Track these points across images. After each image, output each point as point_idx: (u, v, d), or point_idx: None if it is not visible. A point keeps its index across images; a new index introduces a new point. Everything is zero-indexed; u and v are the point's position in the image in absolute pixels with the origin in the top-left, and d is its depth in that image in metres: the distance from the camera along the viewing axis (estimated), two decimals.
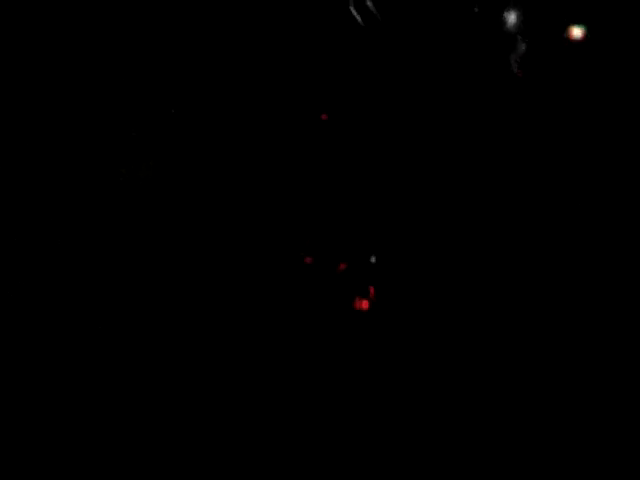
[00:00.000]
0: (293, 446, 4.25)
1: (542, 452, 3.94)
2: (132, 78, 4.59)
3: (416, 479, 4.07)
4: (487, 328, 4.28)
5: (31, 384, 4.27)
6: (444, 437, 4.15)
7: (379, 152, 4.74)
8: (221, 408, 4.31)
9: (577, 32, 4.39)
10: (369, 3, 4.46)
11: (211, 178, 4.68)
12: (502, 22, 4.45)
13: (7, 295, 4.39)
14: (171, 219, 4.65)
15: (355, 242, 4.79)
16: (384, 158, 4.73)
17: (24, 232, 4.45)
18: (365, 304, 4.63)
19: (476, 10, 4.54)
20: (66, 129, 4.56)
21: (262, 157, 4.76)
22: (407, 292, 4.58)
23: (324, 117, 4.75)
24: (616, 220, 4.15)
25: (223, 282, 4.63)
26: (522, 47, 4.46)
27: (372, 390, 4.32)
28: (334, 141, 4.79)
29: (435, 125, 4.66)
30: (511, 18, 4.44)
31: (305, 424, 4.30)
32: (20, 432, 4.15)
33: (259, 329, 4.58)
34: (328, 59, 4.65)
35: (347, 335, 4.53)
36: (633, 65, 4.21)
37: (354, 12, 4.46)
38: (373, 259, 4.71)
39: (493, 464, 4.02)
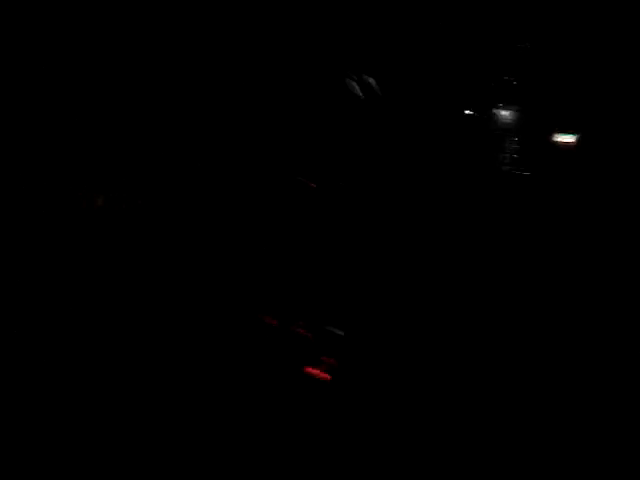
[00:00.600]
0: None
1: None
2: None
3: None
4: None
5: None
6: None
7: (353, 226, 4.74)
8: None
9: (567, 139, 4.42)
10: (371, 80, 4.49)
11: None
12: (494, 120, 4.48)
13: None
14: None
15: (322, 311, 4.76)
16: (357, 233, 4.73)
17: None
18: (325, 376, 4.59)
19: (471, 113, 4.58)
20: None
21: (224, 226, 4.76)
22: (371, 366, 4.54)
23: (313, 185, 4.76)
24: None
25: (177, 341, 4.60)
26: (513, 146, 4.49)
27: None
28: (313, 208, 4.79)
29: (415, 201, 4.67)
30: (504, 117, 4.46)
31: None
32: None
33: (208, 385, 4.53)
34: (327, 128, 4.67)
35: (301, 404, 4.47)
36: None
37: (355, 86, 4.49)
38: (337, 330, 4.67)
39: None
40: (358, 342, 4.53)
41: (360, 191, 4.81)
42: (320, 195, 4.85)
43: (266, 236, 4.74)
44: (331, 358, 4.61)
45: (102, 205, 4.57)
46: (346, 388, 4.46)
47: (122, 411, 4.31)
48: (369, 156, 4.78)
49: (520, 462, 3.93)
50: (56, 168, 4.54)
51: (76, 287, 4.52)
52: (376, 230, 4.72)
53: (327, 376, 4.55)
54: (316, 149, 4.77)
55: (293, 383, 4.52)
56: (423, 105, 4.54)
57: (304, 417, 4.39)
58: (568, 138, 4.32)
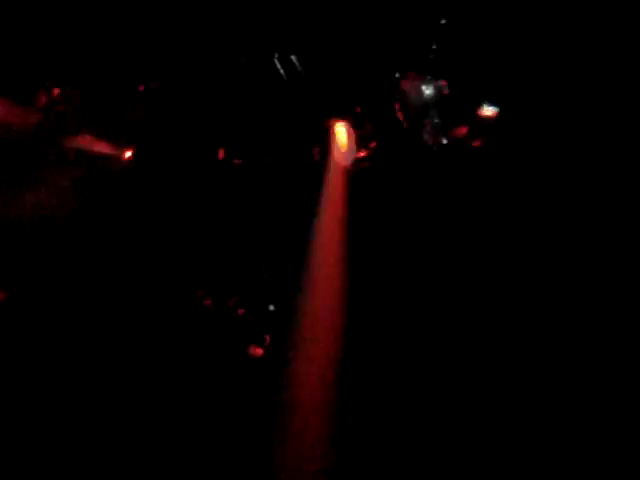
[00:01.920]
0: None
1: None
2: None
3: None
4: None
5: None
6: None
7: (281, 197, 4.76)
8: None
9: (487, 111, 4.56)
10: (293, 57, 4.46)
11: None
12: (417, 94, 4.55)
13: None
14: None
15: (256, 286, 4.82)
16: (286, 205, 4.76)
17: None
18: (259, 351, 4.68)
19: (397, 76, 4.63)
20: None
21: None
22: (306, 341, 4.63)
23: (237, 162, 4.74)
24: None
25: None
26: (436, 121, 4.59)
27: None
28: (238, 184, 4.78)
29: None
30: (427, 93, 4.55)
31: None
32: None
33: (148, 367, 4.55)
34: (248, 108, 4.63)
35: (240, 382, 4.56)
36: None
37: (278, 65, 4.46)
38: (272, 307, 4.75)
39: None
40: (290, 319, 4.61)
41: (283, 167, 4.83)
42: (245, 172, 4.84)
43: (198, 214, 4.70)
44: (266, 334, 4.70)
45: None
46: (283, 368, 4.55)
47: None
48: (291, 131, 4.78)
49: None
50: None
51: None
52: (301, 206, 4.76)
53: (262, 351, 4.65)
54: (240, 127, 4.74)
55: (230, 361, 4.59)
56: (346, 81, 4.55)
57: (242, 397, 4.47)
58: (490, 111, 4.43)
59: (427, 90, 4.48)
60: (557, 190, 4.28)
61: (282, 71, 4.46)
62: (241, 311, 4.77)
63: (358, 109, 4.72)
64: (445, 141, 4.55)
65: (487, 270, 4.44)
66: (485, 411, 4.21)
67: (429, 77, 4.53)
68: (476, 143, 4.49)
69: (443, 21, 4.33)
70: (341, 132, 4.64)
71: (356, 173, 4.59)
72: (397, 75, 4.55)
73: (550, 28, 4.23)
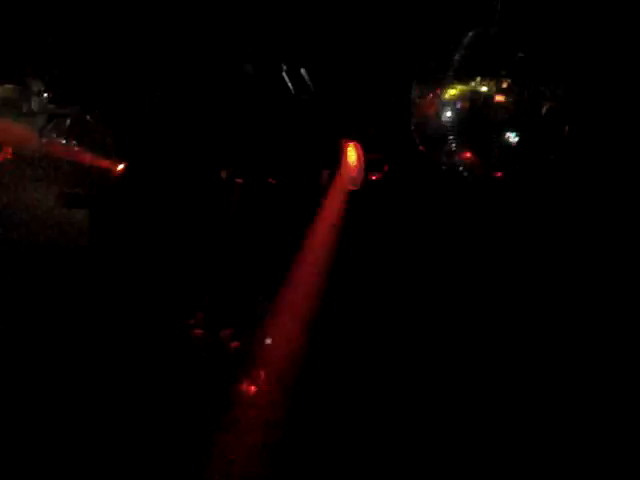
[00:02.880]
0: None
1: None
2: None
3: None
4: None
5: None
6: None
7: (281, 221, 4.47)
8: None
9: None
10: (303, 71, 4.14)
11: None
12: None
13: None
14: None
15: (252, 319, 4.47)
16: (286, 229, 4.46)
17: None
18: (252, 389, 4.30)
19: (414, 96, 4.30)
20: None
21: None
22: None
23: (239, 181, 4.42)
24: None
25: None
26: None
27: None
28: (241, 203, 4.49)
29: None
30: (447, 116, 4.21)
31: None
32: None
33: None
34: (257, 122, 4.32)
35: (228, 421, 4.19)
36: None
37: (286, 79, 4.14)
38: (269, 340, 4.38)
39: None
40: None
41: (289, 186, 4.51)
42: (247, 191, 4.52)
43: (194, 236, 4.40)
44: (261, 369, 4.33)
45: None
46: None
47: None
48: (298, 151, 4.48)
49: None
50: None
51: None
52: (303, 227, 4.43)
53: (254, 389, 4.28)
54: (244, 144, 4.42)
55: (222, 398, 4.22)
56: (357, 97, 4.24)
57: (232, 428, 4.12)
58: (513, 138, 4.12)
59: (447, 112, 4.14)
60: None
61: (290, 85, 4.14)
62: (235, 344, 4.40)
63: (371, 130, 4.43)
64: (462, 168, 4.22)
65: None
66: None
67: (449, 99, 4.19)
68: (498, 174, 4.18)
69: (467, 38, 3.99)
70: (352, 154, 4.32)
71: (364, 197, 4.29)
72: (414, 95, 4.23)
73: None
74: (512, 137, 4.24)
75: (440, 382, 4.16)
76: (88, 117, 4.24)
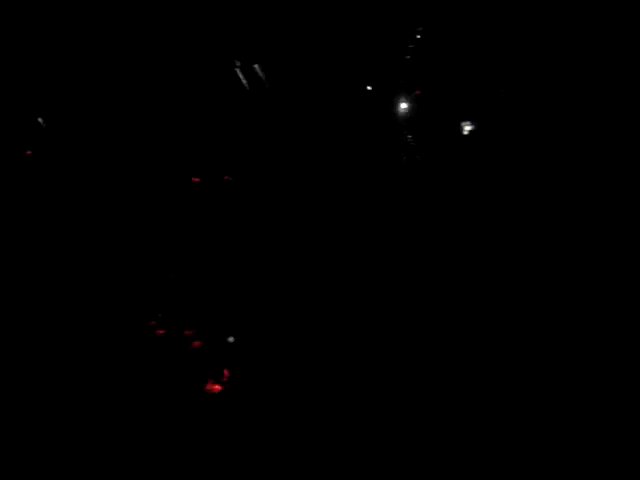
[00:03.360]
0: None
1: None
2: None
3: None
4: None
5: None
6: None
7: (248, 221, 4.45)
8: None
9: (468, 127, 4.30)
10: (257, 67, 4.17)
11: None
12: (392, 107, 4.29)
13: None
14: None
15: (214, 316, 4.42)
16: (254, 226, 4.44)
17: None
18: (217, 388, 4.24)
19: (369, 89, 4.36)
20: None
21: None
22: (265, 376, 4.23)
23: (195, 180, 4.40)
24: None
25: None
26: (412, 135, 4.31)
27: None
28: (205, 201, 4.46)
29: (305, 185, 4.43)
30: (401, 104, 4.28)
31: None
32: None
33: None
34: (210, 119, 4.32)
35: (195, 421, 4.11)
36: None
37: (240, 75, 4.17)
38: (231, 338, 4.34)
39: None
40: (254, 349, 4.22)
41: (249, 185, 4.50)
42: (205, 190, 4.50)
43: (154, 236, 4.35)
44: (225, 368, 4.27)
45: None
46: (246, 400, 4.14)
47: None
48: (257, 148, 4.47)
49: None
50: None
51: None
52: (268, 226, 4.42)
53: (220, 388, 4.22)
54: (200, 142, 4.41)
55: (189, 398, 4.15)
56: (314, 92, 4.27)
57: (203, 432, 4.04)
58: (468, 126, 4.20)
59: (402, 104, 4.21)
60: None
61: (244, 81, 4.18)
62: (198, 343, 4.34)
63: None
64: (419, 158, 4.27)
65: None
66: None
67: (404, 89, 4.27)
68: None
69: (419, 29, 4.09)
70: None
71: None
72: (369, 88, 4.29)
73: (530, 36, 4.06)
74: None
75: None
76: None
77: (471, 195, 4.23)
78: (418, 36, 4.29)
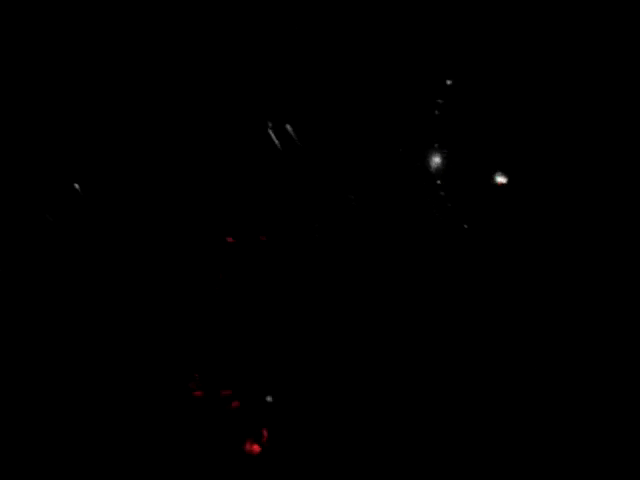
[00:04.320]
0: None
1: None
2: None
3: None
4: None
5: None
6: None
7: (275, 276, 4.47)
8: None
9: (500, 179, 4.31)
10: (288, 127, 4.21)
11: None
12: (425, 165, 4.31)
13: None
14: None
15: (252, 375, 4.41)
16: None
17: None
18: (256, 448, 4.22)
19: (401, 151, 4.38)
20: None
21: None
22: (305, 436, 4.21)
23: (230, 240, 4.42)
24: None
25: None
26: (441, 192, 4.32)
27: None
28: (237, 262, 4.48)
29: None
30: (434, 162, 4.30)
31: None
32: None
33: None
34: (246, 181, 4.36)
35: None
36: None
37: (272, 135, 4.21)
38: (269, 398, 4.32)
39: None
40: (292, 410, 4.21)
41: (284, 244, 4.52)
42: (240, 251, 4.52)
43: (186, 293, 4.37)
44: (263, 428, 4.25)
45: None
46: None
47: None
48: (291, 209, 4.50)
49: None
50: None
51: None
52: (301, 286, 4.43)
53: (259, 448, 4.19)
54: (234, 202, 4.44)
55: (229, 459, 4.13)
56: (346, 153, 4.30)
57: None
58: (500, 178, 4.21)
59: (434, 159, 4.23)
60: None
61: (277, 141, 4.21)
62: (236, 403, 4.33)
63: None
64: (451, 207, 4.28)
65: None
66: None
67: (435, 145, 4.29)
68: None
69: (449, 82, 4.12)
70: None
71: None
72: (398, 146, 4.31)
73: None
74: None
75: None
76: None
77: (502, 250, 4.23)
78: (447, 90, 4.32)
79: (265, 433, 4.24)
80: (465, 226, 4.19)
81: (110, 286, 4.35)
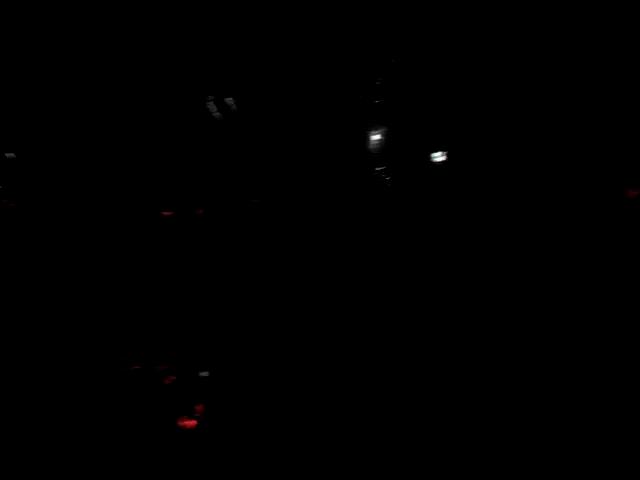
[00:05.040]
0: None
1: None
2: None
3: None
4: None
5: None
6: None
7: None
8: None
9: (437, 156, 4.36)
10: (229, 100, 4.15)
11: None
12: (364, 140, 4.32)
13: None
14: None
15: (186, 351, 4.36)
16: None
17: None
18: (191, 423, 4.19)
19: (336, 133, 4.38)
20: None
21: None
22: (241, 410, 4.20)
23: (165, 214, 4.35)
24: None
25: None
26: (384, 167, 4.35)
27: None
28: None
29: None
30: (373, 137, 4.31)
31: None
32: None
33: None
34: (183, 152, 4.28)
35: (169, 458, 4.05)
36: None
37: (213, 107, 4.14)
38: (205, 373, 4.29)
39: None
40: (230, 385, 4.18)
41: (222, 216, 4.47)
42: (177, 224, 4.45)
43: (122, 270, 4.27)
44: (199, 404, 4.22)
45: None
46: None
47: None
48: (230, 180, 4.45)
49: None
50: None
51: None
52: (239, 259, 4.40)
53: (194, 423, 4.17)
54: (171, 175, 4.36)
55: (163, 434, 4.08)
56: (287, 125, 4.27)
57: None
58: (438, 156, 4.26)
59: (374, 135, 4.25)
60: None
61: (217, 114, 4.16)
62: (171, 378, 4.28)
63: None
64: (390, 186, 4.32)
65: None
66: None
67: (374, 122, 4.30)
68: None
69: (392, 60, 4.14)
70: None
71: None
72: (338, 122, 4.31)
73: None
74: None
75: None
76: None
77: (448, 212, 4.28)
78: (388, 69, 4.34)
79: (200, 408, 4.21)
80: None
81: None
